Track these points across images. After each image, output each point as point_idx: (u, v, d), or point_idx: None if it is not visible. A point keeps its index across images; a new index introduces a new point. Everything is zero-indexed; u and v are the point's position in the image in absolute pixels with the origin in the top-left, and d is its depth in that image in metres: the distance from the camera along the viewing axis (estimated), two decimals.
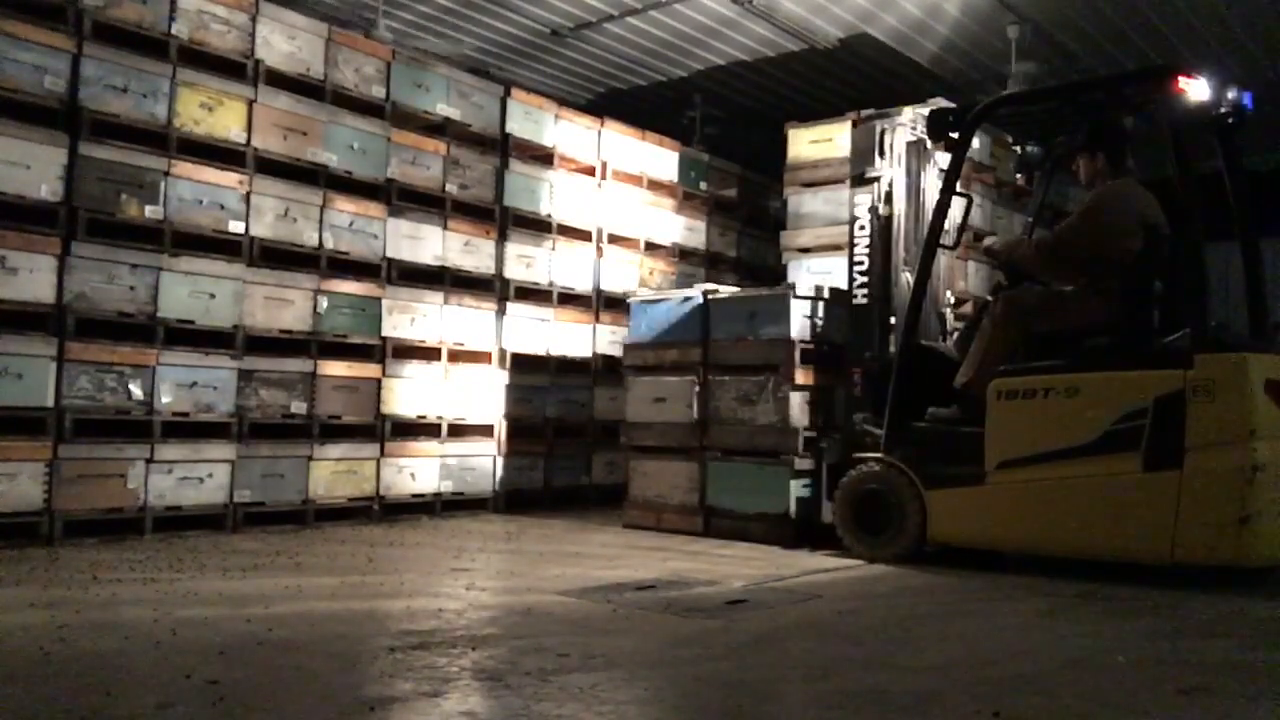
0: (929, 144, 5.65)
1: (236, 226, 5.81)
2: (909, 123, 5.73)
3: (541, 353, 7.47)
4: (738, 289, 6.47)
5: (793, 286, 5.92)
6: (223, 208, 5.76)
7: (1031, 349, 4.76)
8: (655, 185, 8.35)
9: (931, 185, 5.63)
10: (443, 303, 6.85)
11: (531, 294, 7.43)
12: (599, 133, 7.96)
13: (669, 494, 6.25)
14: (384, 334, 6.51)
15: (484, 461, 7.06)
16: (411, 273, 6.71)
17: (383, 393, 6.46)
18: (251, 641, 3.09)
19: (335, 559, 4.89)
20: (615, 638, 3.28)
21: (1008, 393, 4.64)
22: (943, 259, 5.59)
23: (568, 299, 7.72)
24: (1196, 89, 4.53)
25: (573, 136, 7.79)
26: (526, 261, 7.41)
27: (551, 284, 7.57)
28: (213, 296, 5.68)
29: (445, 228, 6.91)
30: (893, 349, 5.39)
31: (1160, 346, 4.46)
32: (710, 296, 6.20)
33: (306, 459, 6.03)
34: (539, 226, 7.51)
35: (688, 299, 6.32)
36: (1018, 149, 5.73)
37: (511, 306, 7.26)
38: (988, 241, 5.49)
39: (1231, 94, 4.68)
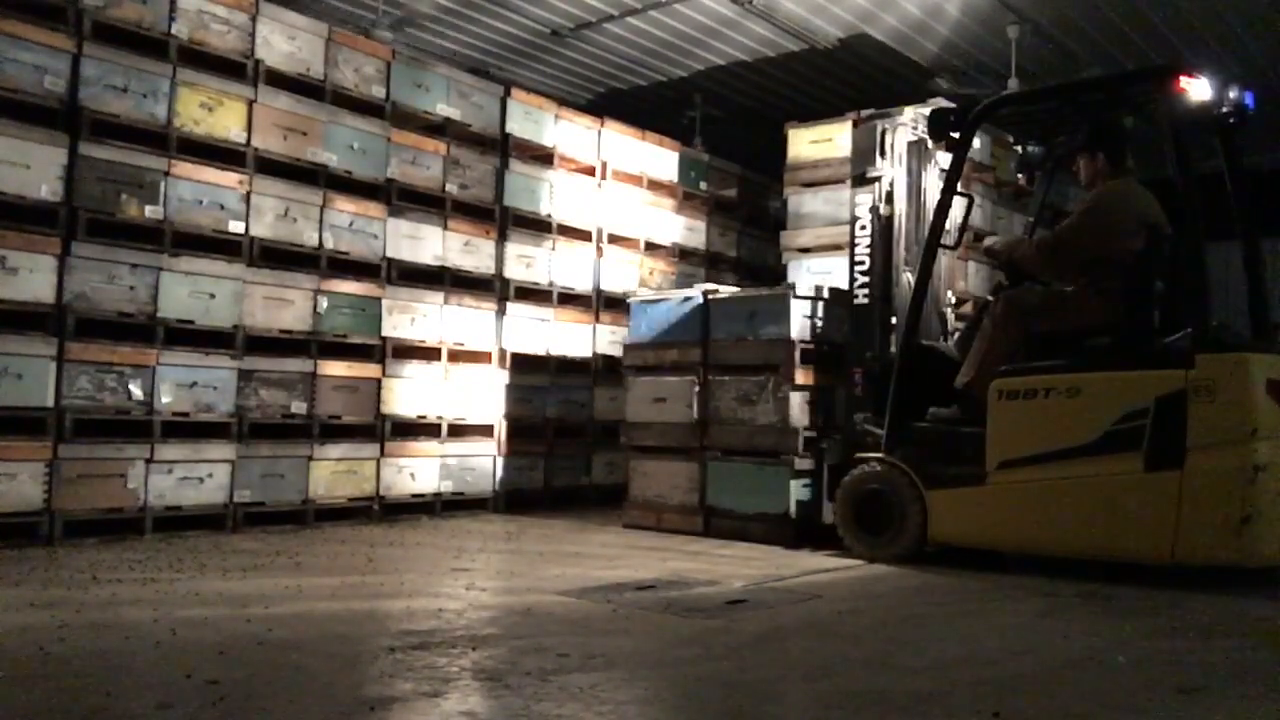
0: (930, 144, 5.65)
1: (236, 226, 5.81)
2: (910, 122, 5.73)
3: (541, 353, 7.47)
4: (738, 289, 6.47)
5: (793, 286, 5.91)
6: (223, 208, 5.76)
7: (1032, 349, 4.76)
8: (655, 185, 8.35)
9: (932, 185, 5.63)
10: (443, 303, 6.85)
11: (531, 294, 7.43)
12: (599, 133, 7.96)
13: (669, 494, 6.25)
14: (384, 334, 6.51)
15: (484, 461, 7.05)
16: (411, 273, 6.71)
17: (383, 393, 6.46)
18: (251, 641, 3.09)
19: (335, 559, 4.89)
20: (615, 638, 3.28)
21: (1009, 393, 4.64)
22: (944, 259, 5.59)
23: (568, 299, 7.72)
24: (1198, 88, 4.53)
25: (573, 136, 7.79)
26: (526, 261, 7.41)
27: (551, 284, 7.57)
28: (213, 296, 5.68)
29: (445, 228, 6.91)
30: (894, 349, 5.39)
31: (1161, 346, 4.46)
32: (710, 296, 6.20)
33: (306, 459, 6.03)
34: (539, 226, 7.51)
35: (688, 299, 6.32)
36: (1019, 149, 5.73)
37: (511, 306, 7.26)
38: (988, 241, 5.49)
39: (1233, 93, 4.67)
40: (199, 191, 5.66)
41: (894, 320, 5.50)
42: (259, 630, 3.24)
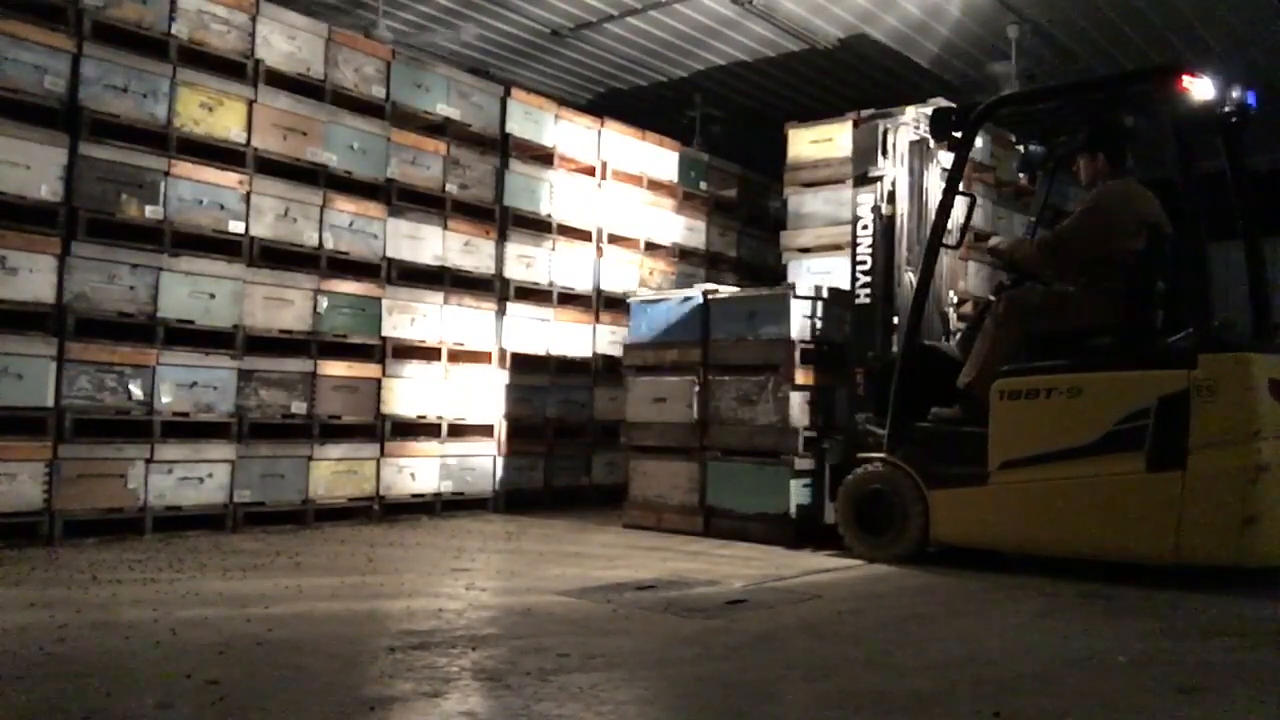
0: (932, 143, 5.64)
1: (236, 226, 5.81)
2: (912, 122, 5.72)
3: (541, 353, 7.46)
4: (738, 289, 6.47)
5: (793, 286, 5.91)
6: (223, 208, 5.76)
7: (1034, 349, 4.75)
8: (655, 185, 8.35)
9: (934, 185, 5.63)
10: (443, 303, 6.84)
11: (531, 294, 7.42)
12: (599, 133, 7.95)
13: (669, 494, 6.24)
14: (384, 334, 6.51)
15: (484, 461, 7.05)
16: (411, 273, 6.71)
17: (383, 393, 6.46)
18: (251, 641, 3.08)
19: (335, 559, 4.88)
20: (615, 638, 3.27)
21: (1011, 393, 4.63)
22: (945, 259, 5.58)
23: (568, 299, 7.71)
24: (1200, 88, 4.52)
25: (573, 136, 7.78)
26: (526, 261, 7.41)
27: (551, 284, 7.56)
28: (213, 296, 5.68)
29: (445, 228, 6.90)
30: (895, 349, 5.38)
31: (1164, 346, 4.46)
32: (710, 296, 6.20)
33: (306, 459, 6.03)
34: (539, 226, 7.50)
35: (688, 299, 6.31)
36: (1021, 148, 5.73)
37: (511, 306, 7.26)
38: (993, 241, 5.48)
39: (1236, 93, 4.66)
40: (199, 191, 5.66)
41: (896, 320, 5.50)
42: (259, 630, 3.23)
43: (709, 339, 6.13)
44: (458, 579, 4.34)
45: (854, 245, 5.77)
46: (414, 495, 6.61)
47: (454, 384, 6.89)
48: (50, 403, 5.04)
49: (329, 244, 6.25)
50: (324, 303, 6.18)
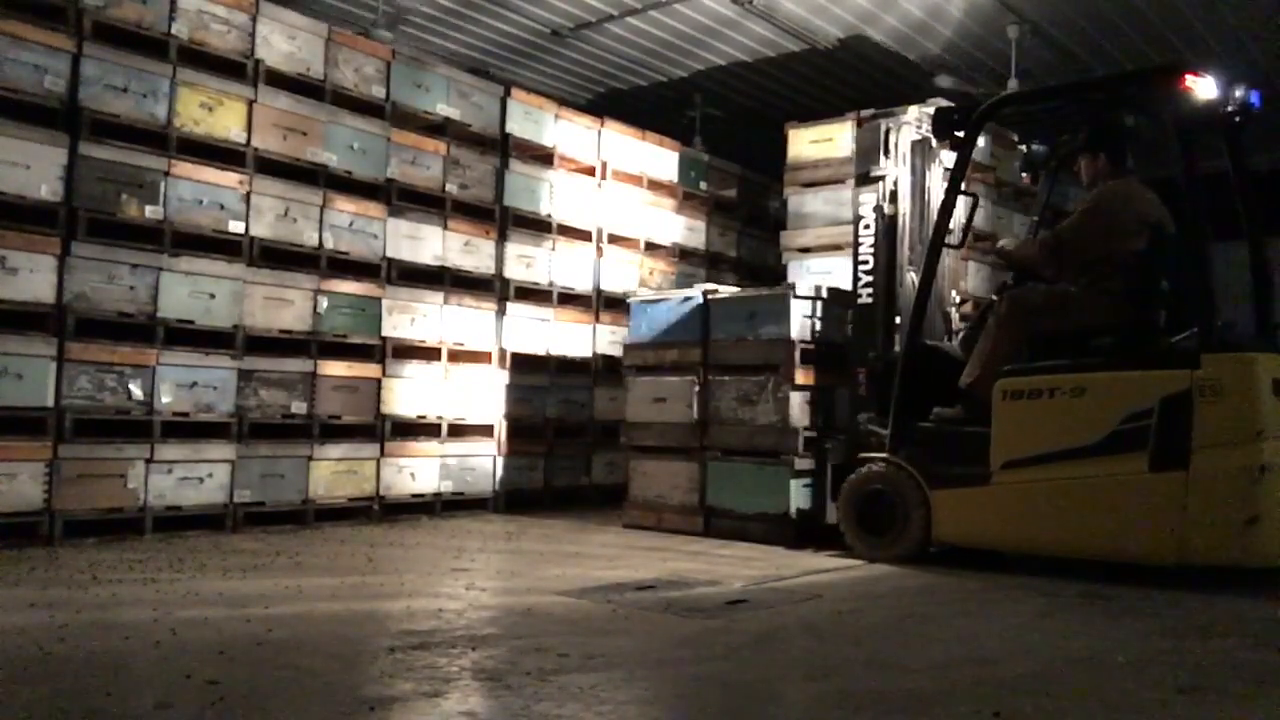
0: (934, 143, 5.64)
1: (236, 226, 5.80)
2: (914, 121, 5.72)
3: (541, 353, 7.46)
4: (738, 289, 6.47)
5: (793, 286, 5.91)
6: (223, 208, 5.75)
7: (1037, 349, 4.74)
8: (655, 185, 8.34)
9: (936, 184, 5.63)
10: (443, 303, 6.84)
11: (531, 294, 7.42)
12: (599, 133, 7.95)
13: (669, 494, 6.24)
14: (384, 334, 6.50)
15: (484, 461, 7.04)
16: (411, 273, 6.70)
17: (383, 393, 6.45)
18: (251, 641, 3.08)
19: (335, 559, 4.88)
20: (615, 638, 3.27)
21: (1013, 393, 4.62)
22: (947, 258, 5.58)
23: (568, 299, 7.71)
24: (1203, 87, 4.51)
25: (573, 136, 7.78)
26: (526, 261, 7.40)
27: (551, 284, 7.56)
28: (213, 296, 5.67)
29: (445, 228, 6.90)
30: (897, 348, 5.37)
31: (1167, 346, 4.45)
32: (710, 296, 6.19)
33: (306, 459, 6.02)
34: (539, 226, 7.50)
35: (688, 299, 6.31)
36: (1022, 148, 5.72)
37: (511, 306, 7.25)
38: (1001, 242, 5.48)
39: (1239, 92, 4.64)
40: (199, 191, 5.66)
41: (897, 320, 5.49)
42: (259, 630, 3.23)
43: (709, 339, 6.12)
44: (458, 579, 4.33)
45: (856, 245, 5.76)
46: (414, 495, 6.61)
47: (454, 384, 6.89)
48: (50, 403, 5.04)
49: (329, 244, 6.24)
50: (324, 303, 6.18)
